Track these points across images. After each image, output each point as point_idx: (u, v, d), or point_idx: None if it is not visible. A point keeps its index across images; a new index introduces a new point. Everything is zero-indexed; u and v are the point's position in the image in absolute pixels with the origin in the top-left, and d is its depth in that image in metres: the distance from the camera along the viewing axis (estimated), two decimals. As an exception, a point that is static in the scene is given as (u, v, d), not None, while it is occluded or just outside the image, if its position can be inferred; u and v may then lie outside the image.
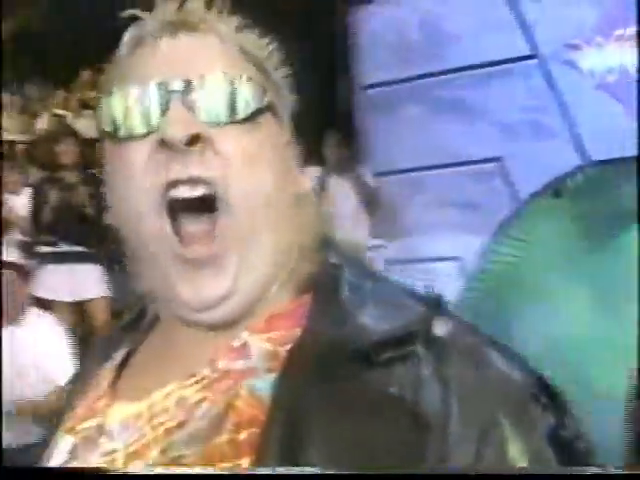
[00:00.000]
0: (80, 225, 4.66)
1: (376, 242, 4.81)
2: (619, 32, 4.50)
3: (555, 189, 4.64)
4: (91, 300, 4.72)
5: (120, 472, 0.71)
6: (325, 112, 5.29)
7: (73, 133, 5.42)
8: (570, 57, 4.55)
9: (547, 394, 0.73)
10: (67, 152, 4.71)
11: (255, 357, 0.73)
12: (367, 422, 0.67)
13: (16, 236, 5.04)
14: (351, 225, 4.74)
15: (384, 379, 0.68)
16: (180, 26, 0.77)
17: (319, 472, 0.65)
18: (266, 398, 0.70)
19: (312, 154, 5.01)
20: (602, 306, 4.71)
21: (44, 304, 4.72)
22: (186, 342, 0.77)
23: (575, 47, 4.56)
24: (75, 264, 4.70)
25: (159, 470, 0.69)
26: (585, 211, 4.96)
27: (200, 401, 0.73)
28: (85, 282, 4.72)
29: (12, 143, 6.69)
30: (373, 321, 0.72)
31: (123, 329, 0.86)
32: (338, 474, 0.65)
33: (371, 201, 4.82)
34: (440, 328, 0.72)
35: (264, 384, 0.71)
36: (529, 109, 4.62)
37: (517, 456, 0.68)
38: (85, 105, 7.07)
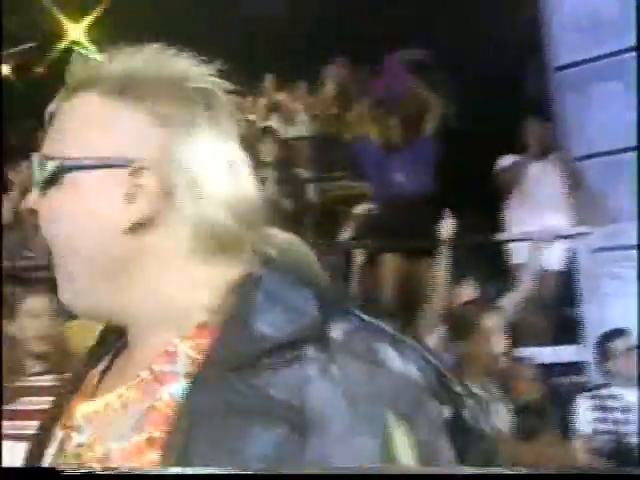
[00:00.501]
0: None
1: (581, 229, 4.65)
2: None
3: None
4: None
5: (120, 472, 0.77)
6: (520, 98, 5.19)
7: (269, 133, 5.63)
8: None
9: (445, 388, 0.77)
10: (266, 151, 4.90)
11: (179, 363, 0.80)
12: (246, 425, 0.72)
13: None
14: (554, 212, 4.63)
15: (268, 383, 0.73)
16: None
17: (319, 472, 0.69)
18: (179, 402, 0.77)
19: (511, 142, 4.93)
20: None
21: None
22: (140, 345, 0.85)
23: None
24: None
25: (159, 470, 0.75)
26: None
27: (134, 401, 0.81)
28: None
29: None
30: (272, 329, 0.76)
31: (114, 332, 0.92)
32: (334, 474, 0.67)
33: (575, 186, 4.66)
34: (336, 330, 0.76)
35: (181, 389, 0.78)
36: None
37: (403, 451, 0.72)
38: (273, 108, 7.31)
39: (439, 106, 5.13)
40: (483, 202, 4.85)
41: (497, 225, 4.84)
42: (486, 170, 4.85)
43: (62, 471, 0.77)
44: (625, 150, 4.64)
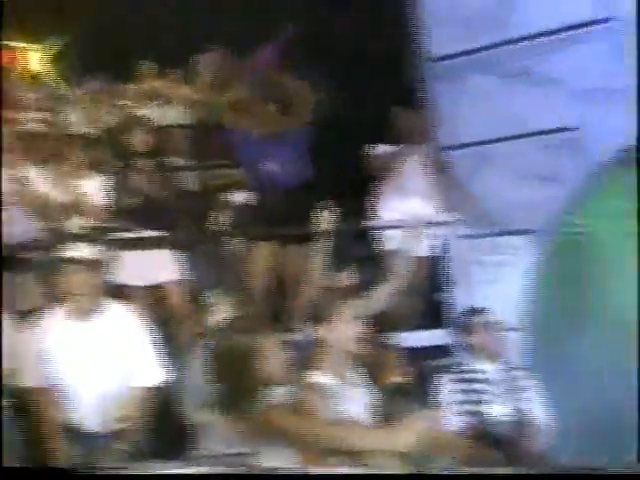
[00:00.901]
0: (155, 211, 4.75)
1: (449, 217, 4.77)
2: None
3: (628, 158, 4.52)
4: (167, 284, 4.80)
5: (121, 472, 0.82)
6: (391, 88, 5.26)
7: (143, 122, 5.51)
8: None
9: None
10: (139, 140, 4.80)
11: None
12: None
13: (89, 222, 5.15)
14: (424, 200, 4.73)
15: None
16: None
17: (320, 472, 0.70)
18: None
19: (385, 130, 5.00)
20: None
21: (121, 291, 4.83)
22: None
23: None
24: (151, 249, 4.78)
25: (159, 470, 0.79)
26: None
27: None
28: (161, 267, 4.80)
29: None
30: None
31: None
32: (334, 474, 0.68)
33: (445, 175, 4.78)
34: None
35: None
36: (605, 75, 4.48)
37: None
38: (150, 96, 7.19)
39: (311, 94, 5.15)
40: (356, 190, 4.91)
41: (369, 212, 4.91)
42: (360, 158, 4.91)
43: (64, 470, 0.81)
44: (496, 141, 4.79)
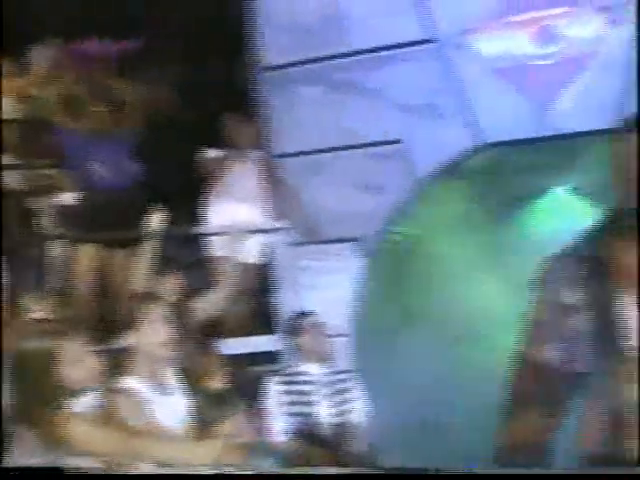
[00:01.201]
0: None
1: (277, 224, 4.83)
2: (514, 18, 4.62)
3: (452, 170, 4.75)
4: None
5: (120, 472, 0.82)
6: (224, 94, 5.27)
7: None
8: (465, 42, 4.64)
9: None
10: None
11: None
12: None
13: None
14: (250, 206, 4.76)
15: None
16: None
17: (320, 472, 0.71)
18: None
19: (212, 136, 5.00)
20: (505, 284, 4.87)
21: None
22: None
23: (470, 32, 4.65)
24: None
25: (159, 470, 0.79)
26: (483, 191, 5.12)
27: None
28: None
29: None
30: None
31: None
32: (335, 474, 0.69)
33: (274, 183, 4.84)
34: None
35: None
36: (428, 92, 4.69)
37: None
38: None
39: (144, 96, 5.09)
40: (187, 193, 4.89)
41: (199, 217, 4.89)
42: (191, 162, 4.89)
43: (62, 470, 0.76)
44: (324, 151, 4.90)
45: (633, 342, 1.64)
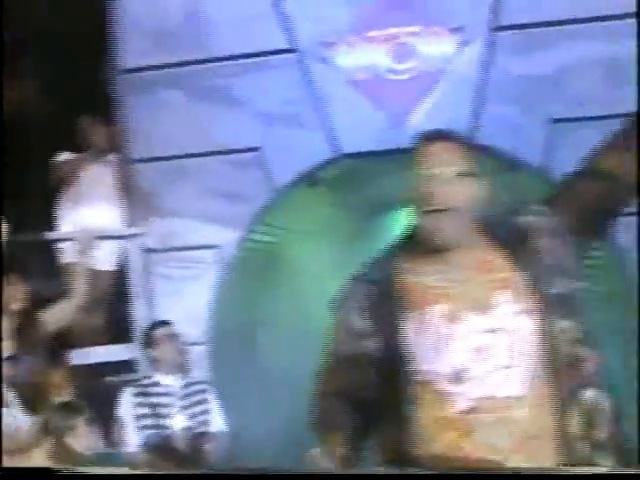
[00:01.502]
0: None
1: (133, 230, 4.74)
2: (372, 33, 4.75)
3: (310, 179, 4.82)
4: None
5: (120, 472, 0.80)
6: (82, 95, 5.14)
7: None
8: (325, 54, 4.73)
9: None
10: None
11: None
12: None
13: None
14: (105, 211, 4.65)
15: None
16: None
17: (321, 472, 0.71)
18: None
19: (67, 138, 4.85)
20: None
21: None
22: None
23: (330, 44, 4.74)
24: None
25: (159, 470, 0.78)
26: (340, 199, 5.22)
27: None
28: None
29: None
30: None
31: None
32: (335, 474, 0.67)
33: (130, 188, 4.75)
34: None
35: None
36: (287, 101, 4.75)
37: None
38: None
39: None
40: (40, 197, 4.73)
41: (51, 222, 4.74)
42: (46, 164, 4.73)
43: (59, 471, 0.85)
44: (183, 157, 4.86)
45: (417, 366, 1.68)
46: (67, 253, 4.59)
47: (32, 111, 5.50)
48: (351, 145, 4.68)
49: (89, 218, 4.59)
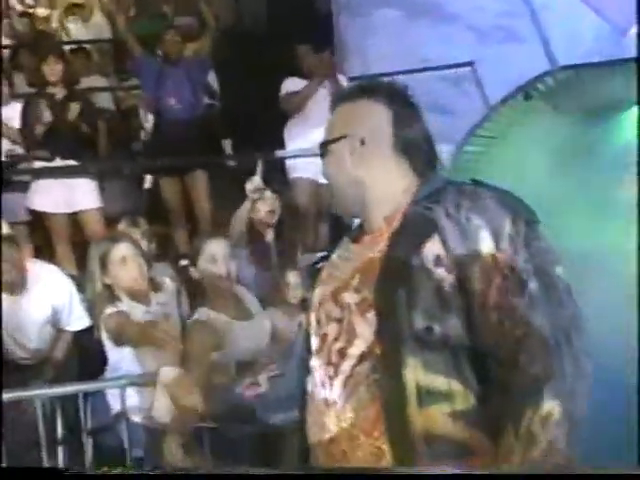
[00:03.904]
0: (72, 140, 4.85)
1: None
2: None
3: (525, 93, 4.78)
4: (85, 211, 4.97)
5: (121, 472, 0.86)
6: (301, 19, 5.37)
7: (57, 47, 5.52)
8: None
9: None
10: (53, 70, 4.82)
11: None
12: None
13: (8, 147, 5.22)
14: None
15: None
16: None
17: (320, 472, 0.75)
18: None
19: (289, 62, 5.12)
20: (588, 206, 4.93)
21: (40, 218, 4.99)
22: None
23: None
24: (69, 177, 4.91)
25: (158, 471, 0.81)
26: (556, 112, 5.12)
27: None
28: (79, 194, 4.95)
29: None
30: None
31: None
32: (335, 474, 0.74)
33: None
34: None
35: None
36: (502, 14, 4.70)
37: None
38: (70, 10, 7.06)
39: (214, 23, 5.25)
40: (264, 120, 5.07)
41: (277, 144, 5.08)
42: (268, 91, 5.04)
43: (63, 471, 0.76)
44: (402, 73, 4.97)
45: None
46: (296, 169, 4.98)
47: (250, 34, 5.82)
48: (568, 57, 4.57)
49: (315, 138, 4.85)
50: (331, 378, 1.48)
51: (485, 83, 4.80)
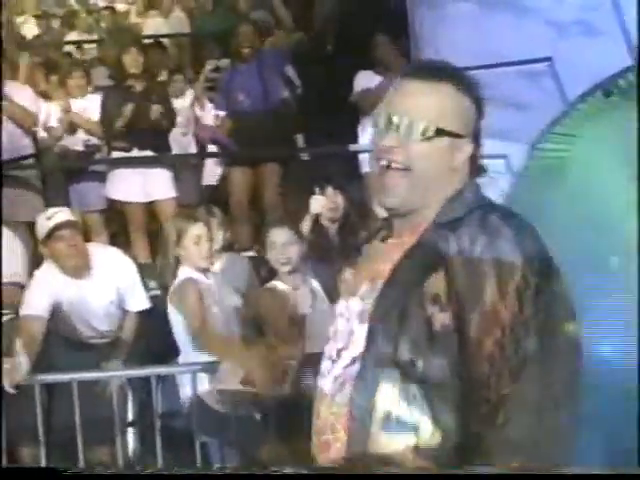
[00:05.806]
0: (152, 133, 4.97)
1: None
2: None
3: (605, 89, 4.66)
4: (161, 201, 5.08)
5: (120, 472, 0.85)
6: (375, 13, 5.36)
7: (137, 40, 5.64)
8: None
9: None
10: (134, 62, 4.94)
11: None
12: None
13: (84, 138, 5.37)
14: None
15: None
16: None
17: (320, 472, 0.76)
18: None
19: (363, 57, 5.12)
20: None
21: (117, 206, 5.13)
22: None
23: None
24: (146, 167, 5.03)
25: (158, 471, 0.82)
26: (635, 109, 4.97)
27: None
28: (155, 184, 5.06)
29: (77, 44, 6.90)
30: None
31: None
32: (335, 474, 0.76)
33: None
34: None
35: None
36: (582, 7, 4.59)
37: None
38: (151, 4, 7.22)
39: (289, 20, 5.28)
40: (337, 114, 5.09)
41: (351, 136, 5.08)
42: (341, 84, 5.06)
43: (63, 471, 0.79)
44: (474, 68, 4.90)
45: None
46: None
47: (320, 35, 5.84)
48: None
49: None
50: (328, 372, 1.54)
51: (563, 79, 4.70)
